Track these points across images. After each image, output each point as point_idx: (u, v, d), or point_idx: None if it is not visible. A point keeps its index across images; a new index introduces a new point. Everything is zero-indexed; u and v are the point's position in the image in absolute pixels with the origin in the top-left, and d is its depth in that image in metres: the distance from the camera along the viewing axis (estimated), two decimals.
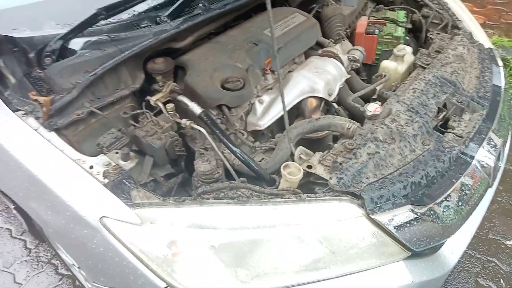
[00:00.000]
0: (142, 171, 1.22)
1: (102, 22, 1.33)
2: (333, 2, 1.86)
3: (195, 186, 1.16)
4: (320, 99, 1.55)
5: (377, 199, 1.03)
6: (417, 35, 1.97)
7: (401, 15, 1.92)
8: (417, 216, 1.05)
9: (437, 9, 1.88)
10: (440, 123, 1.33)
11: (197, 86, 1.32)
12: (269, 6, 0.95)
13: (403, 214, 1.05)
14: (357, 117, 1.45)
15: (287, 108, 1.42)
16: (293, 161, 1.17)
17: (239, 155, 1.16)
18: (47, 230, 1.44)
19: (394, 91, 1.45)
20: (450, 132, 1.27)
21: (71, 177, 1.06)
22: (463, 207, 1.15)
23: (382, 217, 1.02)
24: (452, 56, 1.54)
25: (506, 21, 3.69)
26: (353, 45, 1.82)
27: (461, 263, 1.83)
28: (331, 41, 1.74)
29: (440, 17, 1.87)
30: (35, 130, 1.14)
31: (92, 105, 1.23)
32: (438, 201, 1.10)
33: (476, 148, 1.24)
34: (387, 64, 1.65)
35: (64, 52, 1.27)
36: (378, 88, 1.55)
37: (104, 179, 1.04)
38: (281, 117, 1.45)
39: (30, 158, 1.10)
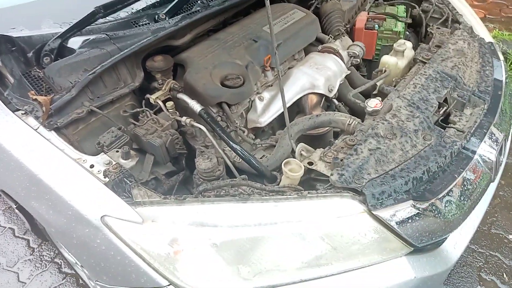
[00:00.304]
0: (143, 170, 1.22)
1: (101, 20, 1.32)
2: None
3: (196, 184, 1.16)
4: (321, 95, 1.54)
5: (378, 195, 1.03)
6: (417, 30, 1.96)
7: (400, 10, 1.90)
8: (419, 211, 1.05)
9: (437, 3, 1.87)
10: (441, 118, 1.33)
11: (196, 83, 1.32)
12: (267, 2, 0.95)
13: (405, 209, 1.04)
14: (358, 113, 1.45)
15: (288, 105, 1.42)
16: (294, 157, 1.17)
17: (239, 153, 1.16)
18: (49, 229, 1.43)
19: (394, 86, 1.45)
20: (452, 127, 1.26)
21: (72, 177, 1.06)
22: (465, 202, 1.15)
23: (383, 213, 1.02)
24: (452, 50, 1.53)
25: (507, 14, 3.67)
26: (353, 40, 1.81)
27: (464, 258, 1.83)
28: (330, 37, 1.74)
29: (440, 11, 1.86)
30: (35, 129, 1.14)
31: (91, 104, 1.23)
32: (440, 196, 1.10)
33: (477, 142, 1.23)
34: (387, 60, 1.64)
35: (62, 51, 1.27)
36: (378, 83, 1.54)
37: (105, 178, 1.04)
38: (282, 114, 1.44)
39: (31, 158, 1.10)
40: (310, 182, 1.18)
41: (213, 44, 1.47)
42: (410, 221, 1.04)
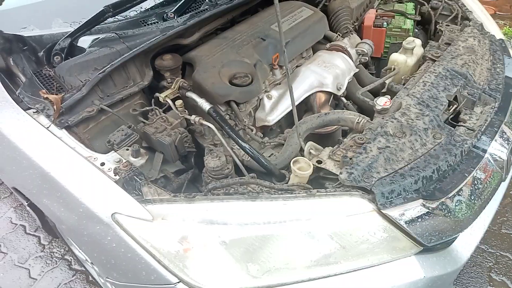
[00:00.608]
0: (152, 168, 1.23)
1: (110, 19, 1.33)
2: None
3: (205, 182, 1.17)
4: (329, 93, 1.54)
5: (388, 194, 1.02)
6: (426, 28, 1.94)
7: (409, 7, 1.89)
8: (428, 210, 1.04)
9: (446, 0, 1.85)
10: (451, 116, 1.31)
11: (205, 82, 1.32)
12: (276, 0, 0.95)
13: (415, 208, 1.04)
14: (367, 111, 1.44)
15: (296, 103, 1.41)
16: (303, 156, 1.17)
17: (248, 151, 1.16)
18: (60, 227, 1.46)
19: (403, 84, 1.44)
20: (462, 126, 1.25)
21: (83, 174, 1.07)
22: (475, 201, 1.14)
23: (393, 212, 1.02)
24: (462, 48, 1.52)
25: None
26: (361, 38, 1.80)
27: (474, 258, 1.82)
28: (339, 34, 1.73)
29: (450, 8, 1.84)
30: (47, 128, 1.16)
31: (102, 102, 1.24)
32: (450, 195, 1.09)
33: (488, 141, 1.22)
34: (396, 57, 1.63)
35: (72, 50, 1.28)
36: (387, 81, 1.53)
37: (115, 176, 1.05)
38: (290, 112, 1.44)
39: (42, 156, 1.12)
40: (319, 180, 1.17)
41: (221, 42, 1.47)
42: (419, 220, 1.03)
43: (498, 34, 1.74)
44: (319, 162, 1.13)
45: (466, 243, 1.17)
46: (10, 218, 2.20)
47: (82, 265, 1.86)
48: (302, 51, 1.63)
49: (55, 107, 1.14)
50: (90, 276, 1.85)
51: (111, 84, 1.28)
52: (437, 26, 1.77)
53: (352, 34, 1.79)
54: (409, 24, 1.79)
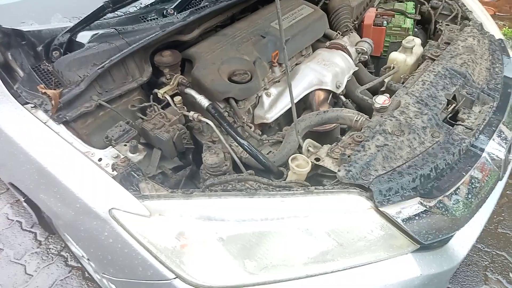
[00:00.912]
0: (150, 164, 1.22)
1: (109, 15, 1.33)
2: None
3: (203, 178, 1.17)
4: (328, 91, 1.54)
5: (385, 192, 1.03)
6: (426, 27, 1.94)
7: (409, 6, 1.89)
8: (426, 208, 1.05)
9: (446, 0, 1.85)
10: (450, 115, 1.32)
11: (204, 79, 1.32)
12: None
13: (412, 206, 1.04)
14: (365, 109, 1.44)
15: (295, 101, 1.41)
16: (301, 153, 1.17)
17: (246, 148, 1.16)
18: (56, 222, 1.45)
19: (402, 83, 1.44)
20: (460, 125, 1.25)
21: (80, 170, 1.06)
22: (472, 200, 1.14)
23: (390, 210, 1.02)
24: (462, 47, 1.52)
25: None
26: (361, 37, 1.80)
27: (470, 256, 1.82)
28: (338, 33, 1.73)
29: (450, 8, 1.84)
30: (44, 123, 1.15)
31: (100, 98, 1.24)
32: (447, 194, 1.09)
33: (486, 140, 1.22)
34: (396, 56, 1.63)
35: (71, 45, 1.28)
36: (386, 80, 1.53)
37: (113, 171, 1.05)
38: (289, 110, 1.44)
39: (40, 151, 1.12)
40: (317, 178, 1.17)
41: (221, 39, 1.47)
42: (417, 218, 1.03)
43: (497, 34, 1.75)
44: (317, 159, 1.13)
45: (463, 241, 1.18)
46: (7, 214, 2.19)
47: (78, 261, 1.86)
48: (301, 49, 1.63)
49: (53, 102, 1.14)
50: (86, 273, 1.85)
51: (109, 80, 1.28)
52: (437, 26, 1.77)
53: (352, 32, 1.79)
54: (409, 23, 1.79)
